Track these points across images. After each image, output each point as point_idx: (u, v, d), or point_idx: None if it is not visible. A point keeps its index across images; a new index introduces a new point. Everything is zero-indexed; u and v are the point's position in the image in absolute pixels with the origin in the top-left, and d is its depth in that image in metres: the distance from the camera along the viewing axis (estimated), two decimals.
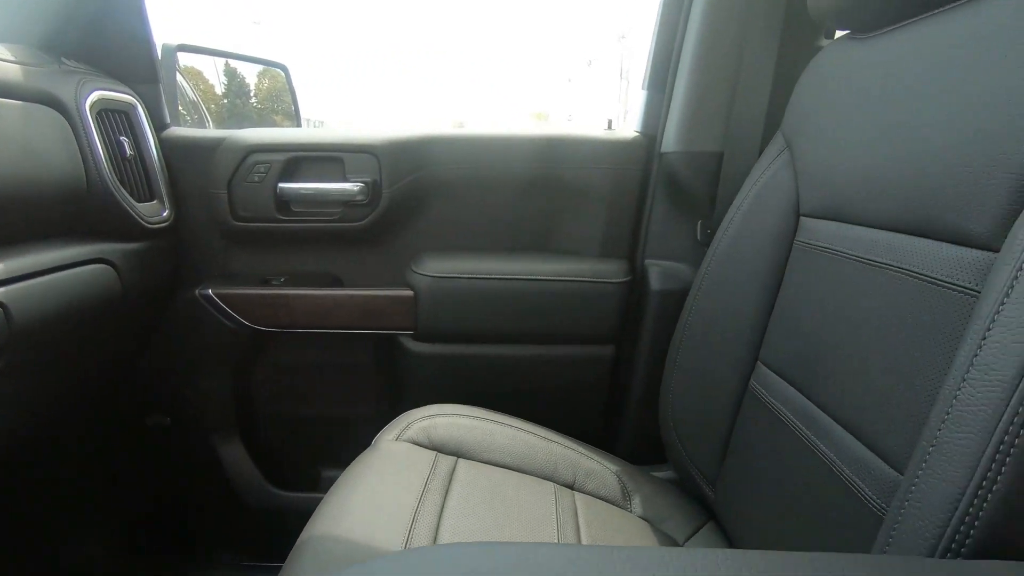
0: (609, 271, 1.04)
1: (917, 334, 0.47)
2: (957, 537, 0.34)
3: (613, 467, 0.88)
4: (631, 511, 0.84)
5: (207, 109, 2.34)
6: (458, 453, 0.84)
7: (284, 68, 1.77)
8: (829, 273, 0.63)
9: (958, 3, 0.50)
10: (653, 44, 0.98)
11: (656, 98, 1.00)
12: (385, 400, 1.15)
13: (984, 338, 0.37)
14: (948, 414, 0.37)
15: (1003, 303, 0.37)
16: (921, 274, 0.48)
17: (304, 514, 0.69)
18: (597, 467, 0.88)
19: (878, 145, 0.57)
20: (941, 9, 0.52)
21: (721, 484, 0.78)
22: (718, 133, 0.94)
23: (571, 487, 0.84)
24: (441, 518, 0.68)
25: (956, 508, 0.35)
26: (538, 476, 0.84)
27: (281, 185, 1.01)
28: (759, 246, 0.76)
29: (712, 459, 0.80)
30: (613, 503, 0.84)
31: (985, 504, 0.33)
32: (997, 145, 0.43)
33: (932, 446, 0.38)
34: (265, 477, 1.15)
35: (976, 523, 0.34)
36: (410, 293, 1.04)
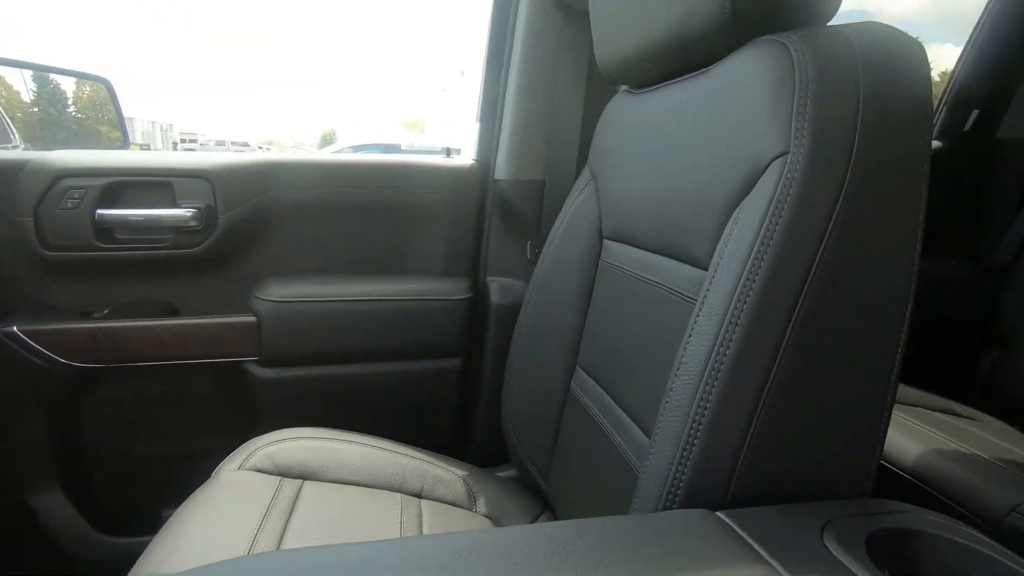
0: (453, 289, 1.11)
1: (667, 337, 0.60)
2: (670, 493, 0.45)
3: (461, 472, 0.95)
4: (476, 511, 0.91)
5: (10, 119, 2.06)
6: (304, 476, 0.86)
7: (106, 82, 1.62)
8: (619, 288, 0.75)
9: (697, 72, 0.64)
10: (483, 81, 1.09)
11: (488, 130, 1.10)
12: (232, 430, 1.12)
13: (687, 343, 0.49)
14: (667, 402, 0.49)
15: (699, 313, 0.49)
16: (670, 288, 0.61)
17: None
18: (445, 474, 0.93)
19: (647, 181, 0.70)
20: (686, 76, 0.66)
21: (552, 476, 0.88)
22: (540, 163, 1.06)
23: (419, 495, 0.89)
24: (282, 542, 0.70)
25: (669, 472, 0.46)
26: (387, 489, 0.88)
27: (100, 211, 0.95)
28: (573, 265, 0.87)
29: (544, 454, 0.89)
30: (459, 506, 0.91)
31: (685, 468, 0.45)
32: (709, 188, 0.56)
33: (658, 428, 0.49)
34: (93, 525, 1.06)
35: (680, 483, 0.45)
36: (253, 319, 1.03)
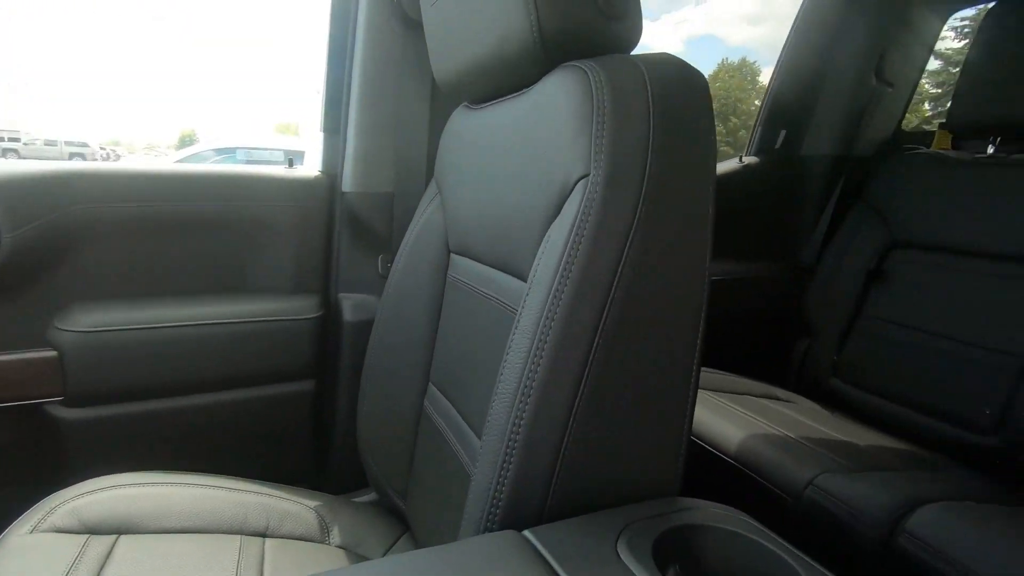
0: (302, 307, 1.05)
1: (500, 353, 0.60)
2: (490, 516, 0.46)
3: (313, 503, 0.89)
4: (329, 543, 0.86)
5: None
6: (120, 530, 0.75)
7: None
8: (463, 302, 0.75)
9: (520, 92, 0.66)
10: (324, 90, 1.04)
11: (333, 141, 1.05)
12: (28, 486, 0.96)
13: (504, 362, 0.50)
14: (488, 422, 0.49)
15: (515, 331, 0.50)
16: (503, 302, 0.62)
17: None
18: (294, 507, 0.87)
19: (482, 196, 0.71)
20: (511, 96, 0.68)
21: (409, 497, 0.86)
22: (389, 176, 1.04)
23: (263, 535, 0.82)
24: None
25: (488, 494, 0.46)
26: (224, 533, 0.80)
27: None
28: (423, 279, 0.86)
29: (401, 476, 0.87)
30: (310, 540, 0.85)
31: (502, 490, 0.45)
32: (530, 205, 0.58)
33: (480, 450, 0.49)
34: None
35: (499, 505, 0.45)
36: (53, 353, 0.89)
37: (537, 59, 0.57)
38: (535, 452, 0.46)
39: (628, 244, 0.49)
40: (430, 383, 0.84)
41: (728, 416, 1.06)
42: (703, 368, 1.33)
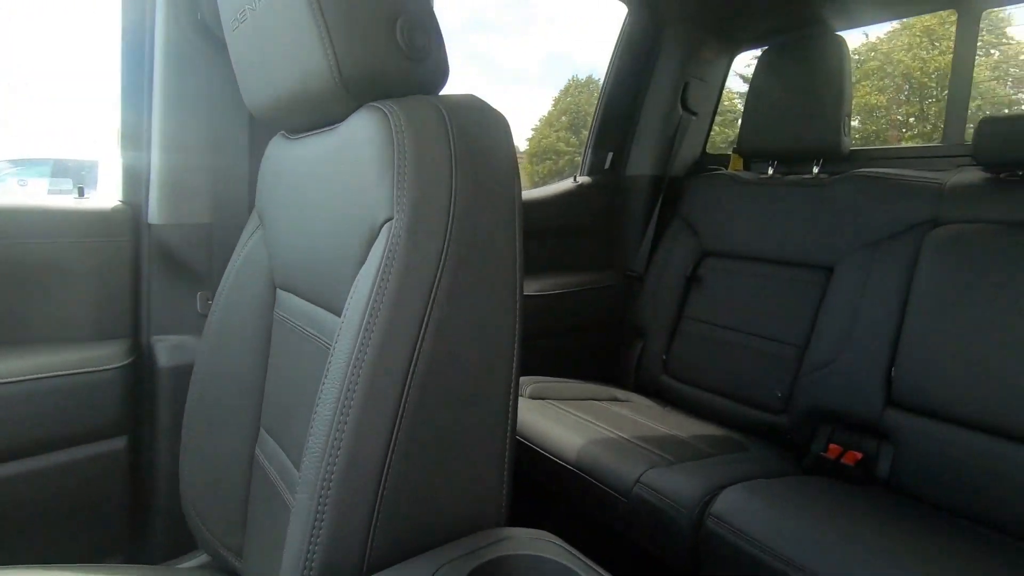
0: (107, 355, 0.92)
1: (301, 376, 0.59)
2: (305, 570, 0.44)
3: None
4: None
5: None
6: None
7: None
8: (290, 341, 0.72)
9: (331, 127, 0.64)
10: (121, 111, 0.93)
11: (134, 167, 0.94)
12: None
13: (315, 411, 0.48)
14: (301, 469, 0.48)
15: (324, 380, 0.49)
16: (325, 341, 0.61)
17: None
18: None
19: (301, 230, 0.68)
20: (324, 130, 0.66)
21: (246, 555, 0.79)
22: (205, 205, 0.95)
23: None
24: None
25: (303, 549, 0.44)
26: None
27: None
28: (247, 317, 0.80)
29: (235, 532, 0.80)
30: None
31: (317, 545, 0.44)
32: (344, 243, 0.57)
33: (294, 504, 0.47)
34: None
35: (314, 560, 0.44)
36: None
37: (341, 98, 0.56)
38: (350, 502, 0.45)
39: (435, 285, 0.50)
40: (261, 428, 0.79)
41: (570, 424, 1.13)
42: (551, 378, 1.40)
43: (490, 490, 0.54)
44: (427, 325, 0.50)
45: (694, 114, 1.66)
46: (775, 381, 1.29)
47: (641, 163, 1.68)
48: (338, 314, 0.58)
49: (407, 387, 0.48)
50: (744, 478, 0.96)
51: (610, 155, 1.68)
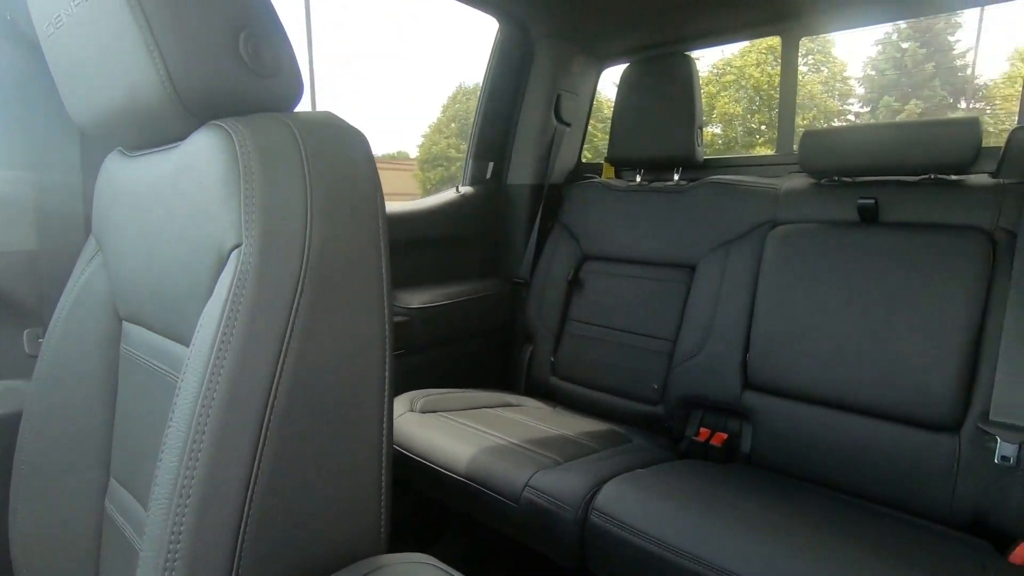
0: None
1: (149, 414, 0.54)
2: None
3: None
4: None
5: None
6: None
7: None
8: (141, 379, 0.65)
9: (171, 145, 0.59)
10: None
11: None
12: None
13: (164, 443, 0.45)
14: (148, 521, 0.44)
15: (171, 419, 0.46)
16: (172, 373, 0.56)
17: None
18: None
19: (144, 256, 0.62)
20: (163, 147, 0.61)
21: None
22: (30, 229, 0.84)
23: None
24: None
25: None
26: None
27: None
28: (88, 354, 0.72)
29: None
30: None
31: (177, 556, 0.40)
32: (191, 271, 0.53)
33: (140, 558, 0.43)
34: None
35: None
36: None
37: (178, 114, 0.52)
38: (204, 556, 0.42)
39: (293, 313, 0.48)
40: (111, 478, 0.70)
41: (461, 435, 1.13)
42: (442, 390, 1.39)
43: (367, 516, 0.53)
44: (285, 355, 0.47)
45: (568, 125, 1.74)
46: (651, 374, 1.39)
47: (521, 172, 1.73)
48: (187, 344, 0.54)
49: (266, 423, 0.46)
50: (625, 470, 1.02)
51: (491, 165, 1.71)
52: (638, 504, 0.90)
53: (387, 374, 0.56)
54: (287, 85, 0.57)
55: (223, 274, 0.48)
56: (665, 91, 1.49)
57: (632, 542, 0.85)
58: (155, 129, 0.57)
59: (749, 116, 16.66)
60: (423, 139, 19.98)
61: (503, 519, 0.99)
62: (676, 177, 1.54)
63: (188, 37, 0.50)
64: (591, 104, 1.83)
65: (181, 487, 0.43)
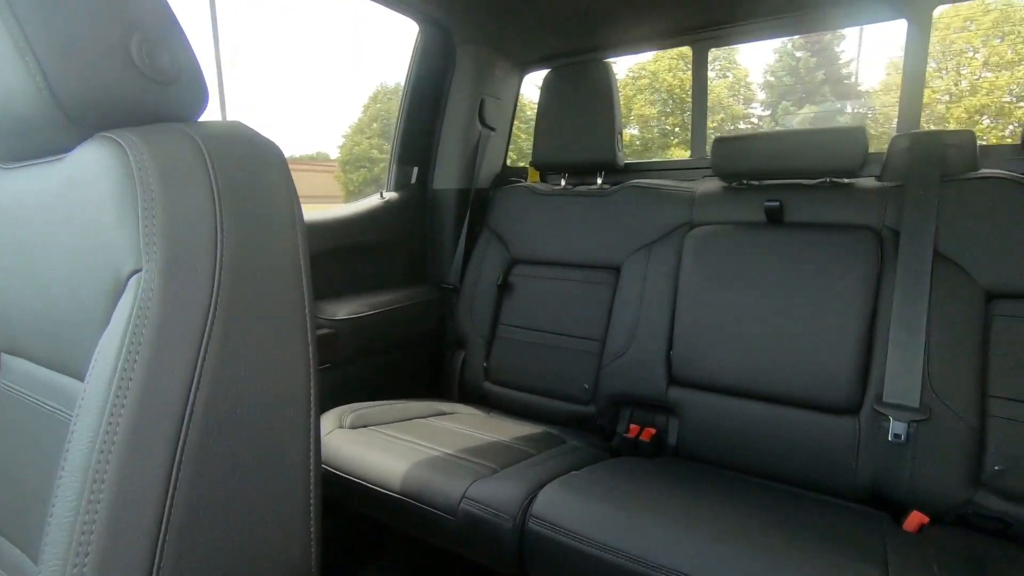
0: None
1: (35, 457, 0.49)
2: None
3: None
4: None
5: None
6: None
7: None
8: (18, 415, 0.58)
9: (52, 158, 0.53)
10: None
11: None
12: None
13: (56, 491, 0.40)
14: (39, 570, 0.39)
15: (68, 445, 0.41)
16: (62, 410, 0.51)
17: None
18: None
19: (30, 282, 0.55)
20: (42, 160, 0.54)
21: None
22: None
23: None
24: None
25: None
26: None
27: None
28: None
29: None
30: None
31: None
32: (83, 297, 0.47)
33: None
34: None
35: None
36: None
37: (59, 124, 0.47)
38: None
39: (205, 339, 0.45)
40: None
41: (394, 450, 1.10)
42: (372, 403, 1.34)
43: (297, 542, 0.50)
44: (197, 387, 0.44)
45: (492, 129, 1.74)
46: (582, 375, 1.41)
47: (446, 177, 1.71)
48: (80, 378, 0.49)
49: (176, 464, 0.42)
50: (560, 473, 1.03)
51: (415, 170, 1.68)
52: (574, 507, 0.91)
53: (312, 392, 0.53)
54: (189, 92, 0.53)
55: (121, 302, 0.43)
56: (586, 97, 1.52)
57: (570, 546, 0.86)
58: (32, 139, 0.51)
59: (664, 118, 17.45)
60: (344, 139, 19.37)
61: (441, 533, 0.97)
62: (599, 181, 1.58)
63: (68, 38, 0.45)
64: (515, 108, 1.84)
65: (78, 543, 0.38)
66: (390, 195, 1.63)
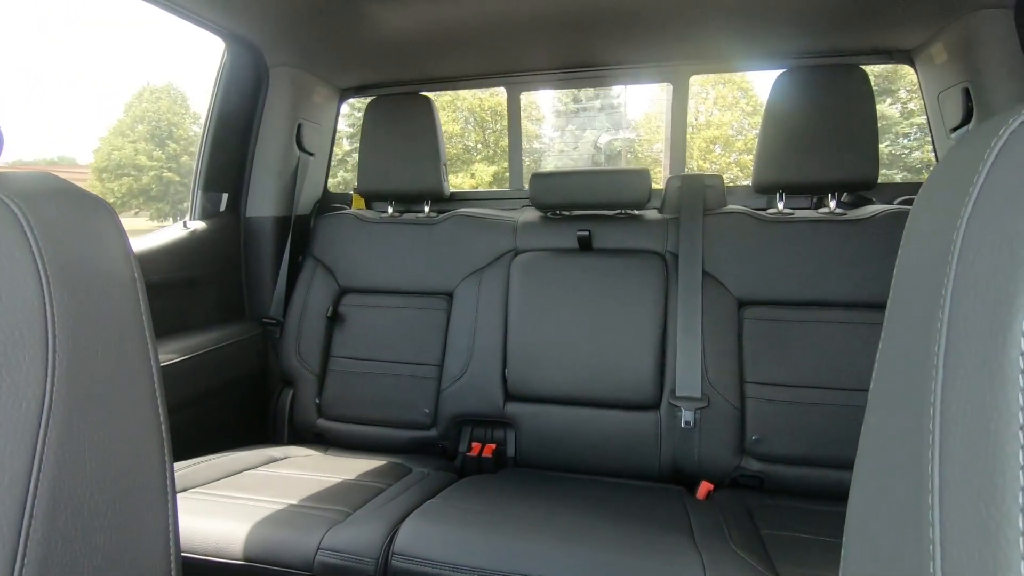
0: None
1: None
2: None
3: None
4: None
5: None
6: None
7: None
8: None
9: None
10: None
11: None
12: None
13: None
14: None
15: None
16: None
17: None
18: None
19: None
20: None
21: None
22: None
23: None
24: None
25: None
26: None
27: None
28: None
29: None
30: None
31: None
32: None
33: None
34: None
35: None
36: None
37: None
38: None
39: (43, 436, 0.39)
40: None
41: (226, 512, 1.00)
42: (196, 460, 1.21)
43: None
44: (35, 493, 0.38)
45: (311, 154, 1.68)
46: (422, 399, 1.44)
47: (262, 203, 1.60)
48: None
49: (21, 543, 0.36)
50: (415, 505, 1.05)
51: (225, 196, 1.54)
52: (435, 537, 0.94)
53: (168, 473, 0.49)
54: None
55: None
56: (409, 128, 1.56)
57: (437, 575, 0.89)
58: None
59: (466, 135, 18.21)
60: (101, 143, 16.28)
61: None
62: (427, 209, 1.63)
63: None
64: (334, 133, 1.79)
65: None
66: (195, 224, 1.46)
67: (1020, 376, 0.23)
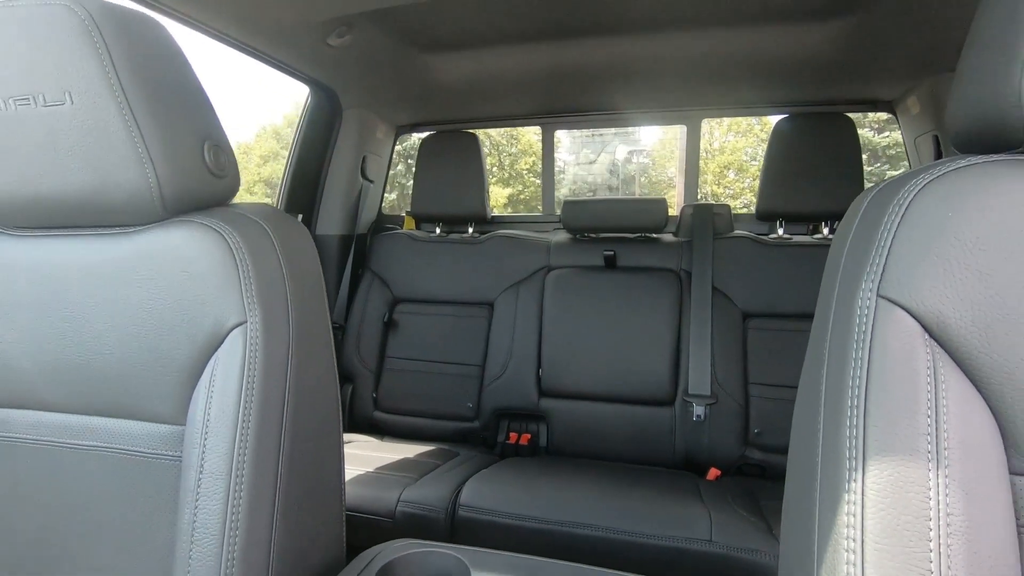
0: None
1: (140, 501, 0.60)
2: None
3: None
4: None
5: None
6: None
7: None
8: (41, 463, 0.65)
9: (112, 231, 0.63)
10: None
11: None
12: None
13: (195, 510, 0.54)
14: (188, 572, 0.53)
15: (200, 477, 0.55)
16: (126, 449, 0.62)
17: None
18: None
19: (63, 339, 0.64)
20: (94, 231, 0.64)
21: None
22: None
23: None
24: None
25: None
26: None
27: None
28: None
29: None
30: None
31: None
32: (164, 349, 0.60)
33: None
34: None
35: None
36: None
37: (153, 211, 0.60)
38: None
39: (288, 374, 0.62)
40: None
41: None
42: None
43: (336, 528, 0.68)
44: (286, 408, 0.61)
45: (372, 181, 1.94)
46: (466, 395, 1.66)
47: (330, 223, 1.85)
48: (151, 420, 0.61)
49: (280, 462, 0.59)
50: (470, 474, 1.27)
51: (300, 217, 1.79)
52: (492, 494, 1.16)
53: (340, 411, 0.72)
54: (232, 183, 0.69)
55: (227, 347, 0.59)
56: (458, 161, 1.81)
57: (496, 522, 1.11)
58: (93, 215, 0.62)
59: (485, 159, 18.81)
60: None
61: (382, 534, 1.14)
62: (471, 230, 1.87)
63: (172, 149, 0.59)
64: (389, 163, 2.05)
65: (226, 559, 0.53)
66: None
67: (857, 364, 0.42)
